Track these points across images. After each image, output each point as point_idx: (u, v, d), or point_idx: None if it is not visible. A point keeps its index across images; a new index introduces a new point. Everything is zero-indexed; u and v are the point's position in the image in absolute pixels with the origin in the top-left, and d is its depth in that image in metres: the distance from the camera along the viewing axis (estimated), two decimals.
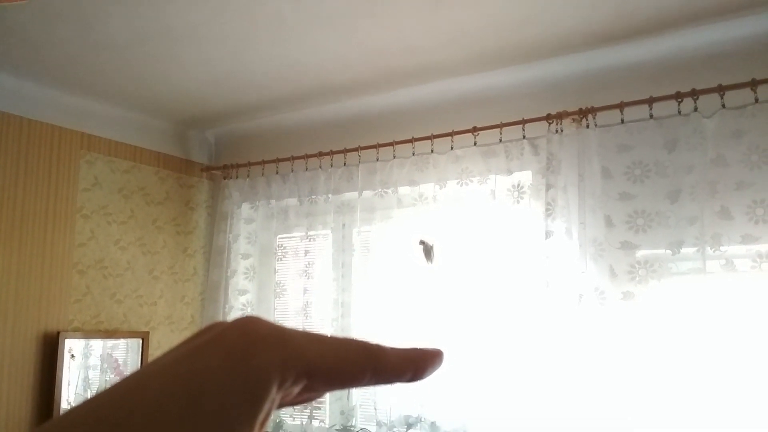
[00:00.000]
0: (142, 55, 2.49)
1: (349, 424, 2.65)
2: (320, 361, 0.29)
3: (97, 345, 2.90)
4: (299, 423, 2.85)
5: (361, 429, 2.62)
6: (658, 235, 2.14)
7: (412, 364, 0.32)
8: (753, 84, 2.04)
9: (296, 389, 0.29)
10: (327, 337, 0.31)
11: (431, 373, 0.33)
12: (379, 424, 2.60)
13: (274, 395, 0.28)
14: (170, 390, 0.26)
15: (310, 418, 2.81)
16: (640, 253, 2.18)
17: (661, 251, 2.14)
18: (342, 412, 2.69)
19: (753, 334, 1.97)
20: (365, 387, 0.32)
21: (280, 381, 0.28)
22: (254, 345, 0.28)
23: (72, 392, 2.77)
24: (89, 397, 0.28)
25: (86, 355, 2.85)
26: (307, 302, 2.89)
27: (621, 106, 2.24)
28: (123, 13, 2.16)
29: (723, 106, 2.09)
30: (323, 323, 2.83)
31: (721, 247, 2.03)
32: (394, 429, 2.55)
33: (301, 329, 0.30)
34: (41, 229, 2.75)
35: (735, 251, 2.03)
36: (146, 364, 0.29)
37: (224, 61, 2.55)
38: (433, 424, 2.46)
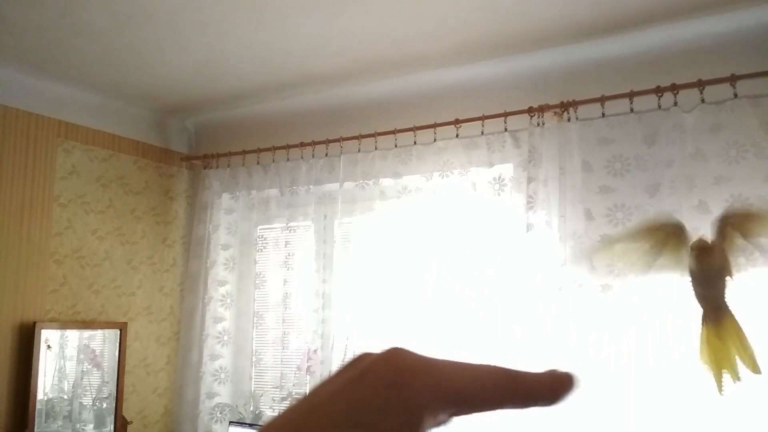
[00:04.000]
0: (120, 41, 2.45)
1: None
2: (467, 389, 0.31)
3: (74, 336, 2.86)
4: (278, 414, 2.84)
5: None
6: None
7: (550, 389, 0.33)
8: (732, 79, 2.05)
9: (443, 416, 0.31)
10: (470, 364, 0.32)
11: (566, 397, 0.34)
12: None
13: (427, 422, 0.29)
14: (339, 420, 0.29)
15: None
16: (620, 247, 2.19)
17: None
18: None
19: None
20: (505, 410, 0.33)
21: (432, 409, 0.29)
22: (405, 375, 0.30)
23: (48, 383, 2.74)
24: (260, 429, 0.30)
25: (63, 346, 2.82)
26: (287, 293, 2.88)
27: (602, 99, 2.25)
28: None
29: (702, 101, 2.11)
30: (303, 315, 2.82)
31: None
32: None
33: (444, 358, 0.32)
34: (17, 218, 2.71)
35: None
36: (304, 397, 0.31)
37: (204, 48, 2.52)
38: None
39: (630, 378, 2.10)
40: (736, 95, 2.06)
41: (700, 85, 2.10)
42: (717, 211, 2.03)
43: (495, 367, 0.33)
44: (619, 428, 2.10)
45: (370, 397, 0.29)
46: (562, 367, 0.34)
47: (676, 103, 2.14)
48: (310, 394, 0.31)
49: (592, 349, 2.16)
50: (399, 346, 0.32)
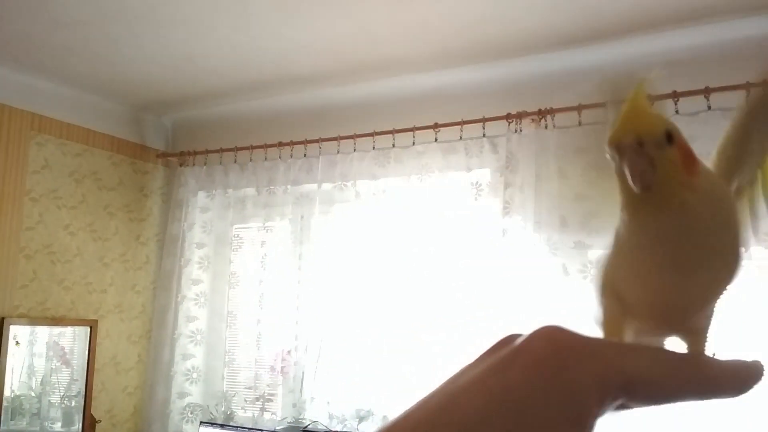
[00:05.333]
0: (99, 34, 2.42)
1: (301, 417, 2.64)
2: (639, 374, 0.26)
3: (43, 332, 2.82)
4: (251, 415, 2.83)
5: (313, 422, 2.61)
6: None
7: (738, 379, 0.29)
8: (706, 92, 2.09)
9: (613, 406, 0.26)
10: (639, 346, 0.28)
11: (753, 388, 0.29)
12: (331, 417, 2.60)
13: (596, 411, 0.25)
14: (488, 406, 0.24)
15: (262, 410, 2.79)
16: (593, 253, 2.22)
17: None
18: (294, 405, 2.68)
19: None
20: (683, 402, 0.28)
21: (599, 397, 0.25)
22: (566, 357, 0.25)
23: (16, 380, 2.69)
24: (396, 419, 0.25)
25: (31, 343, 2.77)
26: (262, 294, 2.86)
27: (579, 108, 2.28)
28: None
29: (677, 112, 2.14)
30: (278, 315, 2.81)
31: None
32: (346, 422, 2.56)
33: (606, 339, 0.27)
34: None
35: None
36: (444, 381, 0.27)
37: (184, 44, 2.50)
38: (385, 417, 2.47)
39: None
40: (709, 107, 2.10)
41: (675, 96, 2.14)
42: None
43: (671, 351, 0.28)
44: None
45: (527, 380, 0.25)
46: (747, 356, 0.30)
47: None
48: (449, 380, 0.27)
49: None
50: (555, 324, 0.27)
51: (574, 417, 0.24)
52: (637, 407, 0.27)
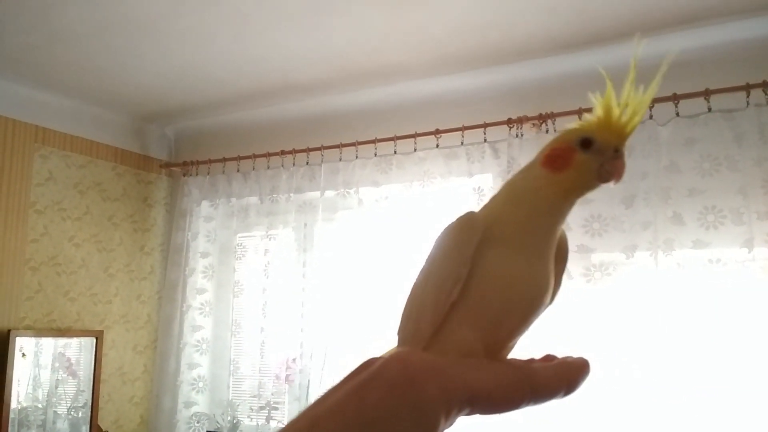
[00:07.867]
0: (100, 46, 2.44)
1: None
2: (481, 388, 0.29)
3: (49, 344, 2.82)
4: (255, 424, 2.83)
5: None
6: (613, 239, 2.19)
7: (565, 381, 0.32)
8: (706, 94, 2.10)
9: (458, 417, 0.29)
10: (480, 362, 0.31)
11: (581, 385, 0.33)
12: None
13: (443, 424, 0.28)
14: (347, 427, 0.27)
15: (268, 419, 2.80)
16: (596, 256, 2.22)
17: (615, 254, 2.19)
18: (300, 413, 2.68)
19: (699, 337, 2.03)
20: (522, 409, 0.31)
21: (446, 410, 0.28)
22: (416, 377, 0.28)
23: (22, 392, 2.70)
24: None
25: (38, 354, 2.78)
26: (266, 302, 2.87)
27: (579, 112, 2.28)
28: (82, 2, 2.11)
29: (677, 114, 2.15)
30: (282, 323, 2.82)
31: (673, 252, 2.09)
32: None
33: (452, 358, 0.30)
34: None
35: (686, 256, 2.09)
36: (311, 404, 0.30)
37: (185, 55, 2.52)
38: None
39: (599, 383, 2.12)
40: (710, 109, 2.11)
41: (675, 99, 2.14)
42: (691, 222, 2.08)
43: (507, 364, 0.32)
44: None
45: (382, 401, 0.28)
46: (574, 354, 0.33)
47: (651, 117, 2.18)
48: (314, 403, 0.30)
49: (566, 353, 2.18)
50: (407, 348, 0.31)
51: (425, 427, 0.27)
52: (482, 414, 0.30)
